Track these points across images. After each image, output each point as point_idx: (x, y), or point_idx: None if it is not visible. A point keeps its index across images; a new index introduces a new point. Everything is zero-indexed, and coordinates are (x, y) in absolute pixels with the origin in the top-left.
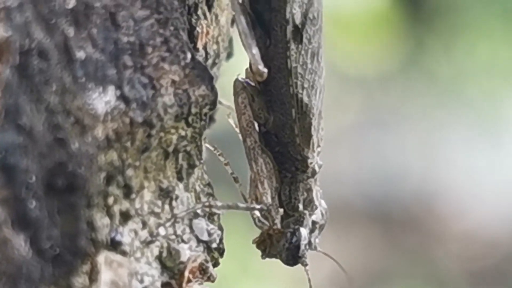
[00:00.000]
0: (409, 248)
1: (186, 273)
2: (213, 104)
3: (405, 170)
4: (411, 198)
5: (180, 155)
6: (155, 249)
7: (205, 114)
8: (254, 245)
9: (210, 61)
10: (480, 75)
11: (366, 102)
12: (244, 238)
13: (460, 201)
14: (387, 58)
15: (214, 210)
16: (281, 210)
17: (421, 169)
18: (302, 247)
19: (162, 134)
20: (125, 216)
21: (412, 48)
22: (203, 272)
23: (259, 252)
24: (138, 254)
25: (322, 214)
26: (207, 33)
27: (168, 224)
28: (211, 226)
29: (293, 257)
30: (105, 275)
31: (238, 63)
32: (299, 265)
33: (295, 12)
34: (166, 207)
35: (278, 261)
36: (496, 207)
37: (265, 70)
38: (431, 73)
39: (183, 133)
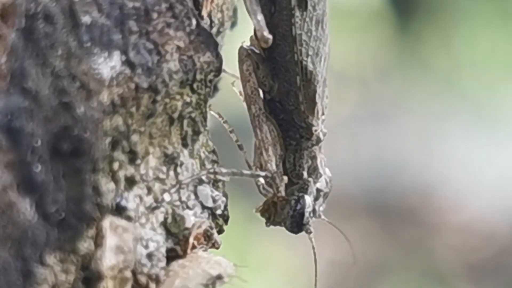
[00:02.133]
0: (407, 240)
1: (191, 240)
2: (218, 70)
3: (403, 162)
4: (409, 190)
5: (185, 122)
6: (160, 215)
7: (210, 81)
8: (251, 232)
9: (214, 30)
10: (478, 67)
11: (364, 95)
12: (242, 230)
13: (458, 193)
14: (385, 51)
15: (219, 176)
16: (286, 178)
17: (419, 161)
18: (307, 214)
19: (167, 100)
20: (130, 182)
21: (410, 40)
22: (207, 238)
23: (258, 244)
24: (143, 220)
25: (326, 182)
26: (212, 1)
27: (173, 190)
28: (216, 192)
29: (297, 224)
30: (110, 240)
31: (242, 33)
32: (298, 255)
33: None
34: (171, 173)
35: (277, 252)
36: (494, 199)
37: (270, 36)
38: (429, 65)
39: (188, 99)
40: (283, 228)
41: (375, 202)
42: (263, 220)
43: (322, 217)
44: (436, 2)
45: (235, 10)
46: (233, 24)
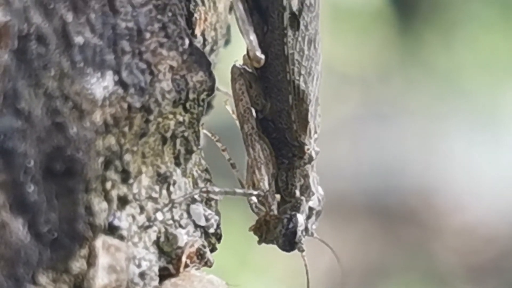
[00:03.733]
0: (407, 241)
1: (184, 258)
2: (211, 90)
3: (404, 163)
4: (410, 192)
5: (178, 141)
6: (152, 234)
7: (203, 100)
8: (251, 233)
9: (208, 48)
10: (480, 69)
11: (365, 95)
12: (243, 232)
13: (459, 195)
14: (387, 51)
15: (212, 195)
16: (278, 196)
17: (420, 163)
18: (299, 233)
19: (160, 119)
20: (123, 201)
21: (412, 41)
22: (200, 257)
23: (259, 246)
24: (136, 239)
25: (319, 200)
26: (205, 19)
27: (165, 209)
28: (209, 211)
29: (289, 243)
30: (103, 260)
31: (236, 50)
32: (299, 258)
33: None
34: (164, 192)
35: (277, 254)
36: (495, 201)
37: (262, 56)
38: (430, 67)
39: (180, 118)
40: None
41: (375, 204)
42: None
43: (315, 235)
44: (437, 3)
45: (228, 28)
46: (227, 42)
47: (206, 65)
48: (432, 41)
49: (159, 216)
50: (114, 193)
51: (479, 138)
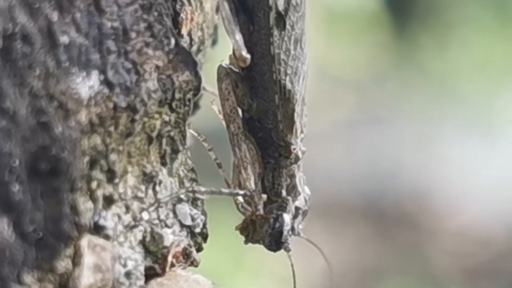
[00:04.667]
0: (402, 244)
1: (170, 258)
2: (197, 89)
3: (399, 166)
4: (405, 195)
5: (164, 140)
6: (138, 234)
7: (189, 100)
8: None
9: (194, 48)
10: (474, 72)
11: (360, 99)
12: (237, 233)
13: (454, 198)
14: (381, 55)
15: (198, 195)
16: (264, 196)
17: (415, 166)
18: (285, 232)
19: (145, 119)
20: (109, 201)
21: (406, 44)
22: (186, 256)
23: (253, 247)
24: (122, 239)
25: (305, 200)
26: (192, 19)
27: (151, 208)
28: (195, 211)
29: (276, 242)
30: (88, 259)
31: (223, 50)
32: (294, 261)
33: None
34: (150, 191)
35: (272, 255)
36: (490, 204)
37: (248, 56)
38: (425, 70)
39: (166, 118)
40: None
41: (371, 207)
42: None
43: (301, 234)
44: (432, 7)
45: (215, 28)
46: (214, 42)
47: (192, 65)
48: (427, 44)
49: (145, 215)
50: (99, 193)
51: (474, 141)
